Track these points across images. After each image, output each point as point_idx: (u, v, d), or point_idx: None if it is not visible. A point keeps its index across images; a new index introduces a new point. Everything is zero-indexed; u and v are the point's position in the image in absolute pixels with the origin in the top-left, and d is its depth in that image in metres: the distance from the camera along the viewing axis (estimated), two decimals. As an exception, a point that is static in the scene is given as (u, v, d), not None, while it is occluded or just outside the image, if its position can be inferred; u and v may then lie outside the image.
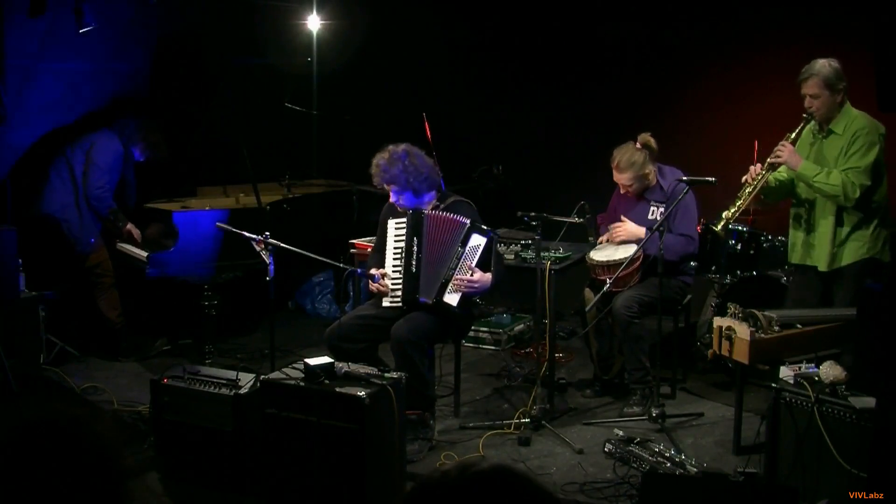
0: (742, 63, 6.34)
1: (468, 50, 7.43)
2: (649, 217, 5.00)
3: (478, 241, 4.49)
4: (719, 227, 4.48)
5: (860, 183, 4.28)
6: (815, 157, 4.48)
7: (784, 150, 4.40)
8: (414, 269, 4.51)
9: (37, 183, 5.74)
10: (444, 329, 4.61)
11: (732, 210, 4.43)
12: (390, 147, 4.59)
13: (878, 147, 4.34)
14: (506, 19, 7.35)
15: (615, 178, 5.03)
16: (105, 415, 4.72)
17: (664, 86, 6.78)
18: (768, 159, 4.43)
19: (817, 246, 4.49)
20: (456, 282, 4.46)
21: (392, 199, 4.61)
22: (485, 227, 4.51)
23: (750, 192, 4.44)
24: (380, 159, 4.56)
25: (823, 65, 4.37)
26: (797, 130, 4.45)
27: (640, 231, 4.92)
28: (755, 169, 4.45)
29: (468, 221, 4.49)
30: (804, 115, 4.43)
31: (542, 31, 7.23)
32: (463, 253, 4.48)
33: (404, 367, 4.19)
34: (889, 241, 4.50)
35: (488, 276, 4.49)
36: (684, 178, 4.70)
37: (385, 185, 4.58)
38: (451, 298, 4.47)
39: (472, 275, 4.45)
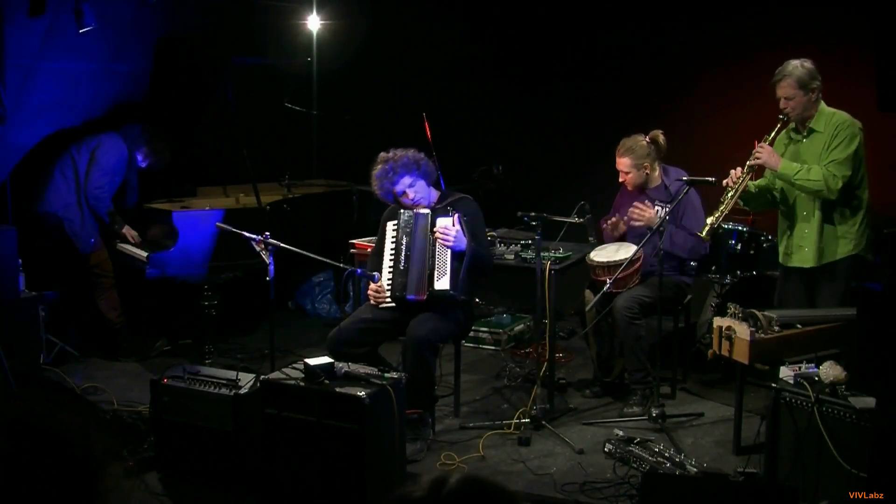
0: (742, 64, 6.33)
1: (468, 50, 7.42)
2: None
3: (444, 222, 4.50)
4: (704, 232, 4.50)
5: (841, 174, 4.31)
6: (792, 158, 4.52)
7: (763, 152, 4.42)
8: (402, 266, 4.54)
9: (40, 180, 5.74)
10: (457, 328, 4.64)
11: (716, 215, 4.45)
12: (381, 154, 4.64)
13: (858, 140, 4.37)
14: (506, 19, 7.34)
15: (617, 165, 5.06)
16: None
17: (664, 86, 6.78)
18: (748, 161, 4.45)
19: (805, 246, 4.51)
20: (437, 235, 4.46)
21: (410, 195, 4.59)
22: (449, 209, 4.53)
23: (732, 196, 4.46)
24: (382, 162, 4.59)
25: (796, 66, 4.40)
26: (774, 132, 4.49)
27: (656, 220, 4.88)
28: (735, 173, 4.48)
29: (427, 211, 4.53)
30: (780, 117, 4.47)
31: (542, 31, 7.23)
32: (434, 239, 4.51)
33: (419, 368, 4.19)
34: (872, 241, 4.53)
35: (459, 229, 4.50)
36: (684, 178, 4.71)
37: (399, 186, 4.56)
38: (442, 284, 4.47)
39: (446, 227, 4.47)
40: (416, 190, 4.59)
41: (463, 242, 4.48)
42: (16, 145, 5.82)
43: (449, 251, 4.49)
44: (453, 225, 4.47)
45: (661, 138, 5.03)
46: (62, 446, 1.44)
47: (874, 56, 5.17)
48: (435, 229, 4.49)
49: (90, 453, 1.45)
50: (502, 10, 7.32)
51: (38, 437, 1.43)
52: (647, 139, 5.03)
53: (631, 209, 4.98)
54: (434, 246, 4.49)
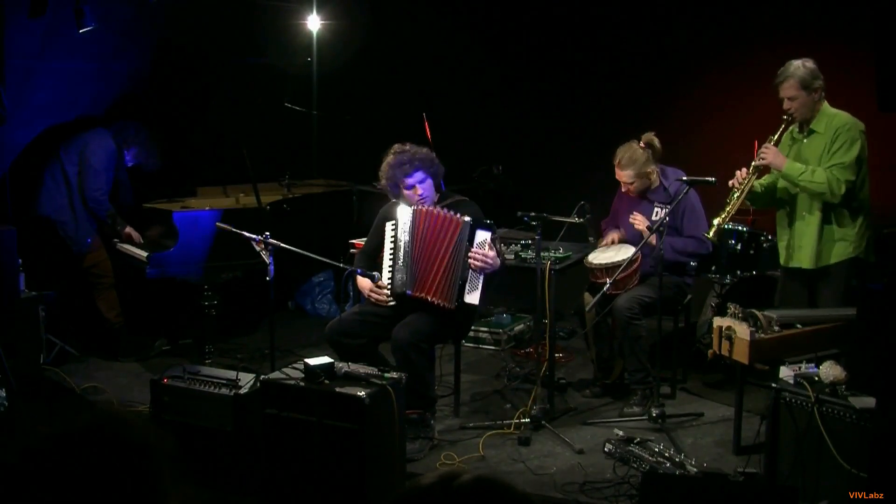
0: (742, 63, 6.33)
1: (468, 50, 7.42)
2: (654, 218, 4.99)
3: (483, 236, 4.48)
4: (711, 233, 4.50)
5: (845, 178, 4.32)
6: (795, 158, 4.52)
7: (768, 152, 4.43)
8: (401, 263, 4.53)
9: (32, 184, 5.74)
10: (444, 330, 4.61)
11: (723, 216, 4.45)
12: (396, 145, 4.60)
13: (860, 143, 4.37)
14: (506, 19, 7.34)
15: (617, 176, 5.04)
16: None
17: (664, 86, 6.77)
18: (753, 162, 4.46)
19: (804, 246, 4.51)
20: (474, 260, 4.41)
21: (419, 191, 4.55)
22: (487, 222, 4.52)
23: (738, 196, 4.46)
24: (399, 153, 4.54)
25: (798, 66, 4.41)
26: (778, 132, 4.50)
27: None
28: (741, 173, 4.48)
29: (469, 219, 4.48)
30: (783, 117, 4.47)
31: (542, 31, 7.23)
32: (472, 250, 4.48)
33: (405, 369, 4.19)
34: (873, 242, 4.53)
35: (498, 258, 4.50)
36: (684, 178, 4.70)
37: (411, 180, 4.52)
38: (472, 298, 4.46)
39: (488, 249, 4.43)
40: (425, 187, 4.58)
41: (498, 265, 4.47)
42: (16, 145, 5.83)
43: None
44: (490, 249, 4.43)
45: (656, 140, 5.00)
46: (138, 458, 1.41)
47: (874, 56, 5.17)
48: (473, 251, 4.44)
49: (162, 470, 1.43)
50: (502, 10, 7.32)
51: (115, 445, 1.41)
52: (643, 144, 5.00)
53: (631, 218, 4.99)
54: (468, 259, 4.46)
